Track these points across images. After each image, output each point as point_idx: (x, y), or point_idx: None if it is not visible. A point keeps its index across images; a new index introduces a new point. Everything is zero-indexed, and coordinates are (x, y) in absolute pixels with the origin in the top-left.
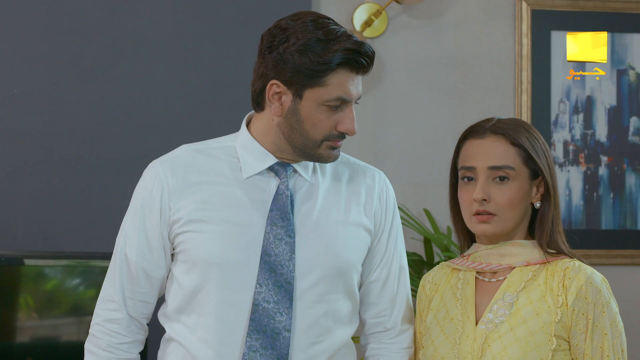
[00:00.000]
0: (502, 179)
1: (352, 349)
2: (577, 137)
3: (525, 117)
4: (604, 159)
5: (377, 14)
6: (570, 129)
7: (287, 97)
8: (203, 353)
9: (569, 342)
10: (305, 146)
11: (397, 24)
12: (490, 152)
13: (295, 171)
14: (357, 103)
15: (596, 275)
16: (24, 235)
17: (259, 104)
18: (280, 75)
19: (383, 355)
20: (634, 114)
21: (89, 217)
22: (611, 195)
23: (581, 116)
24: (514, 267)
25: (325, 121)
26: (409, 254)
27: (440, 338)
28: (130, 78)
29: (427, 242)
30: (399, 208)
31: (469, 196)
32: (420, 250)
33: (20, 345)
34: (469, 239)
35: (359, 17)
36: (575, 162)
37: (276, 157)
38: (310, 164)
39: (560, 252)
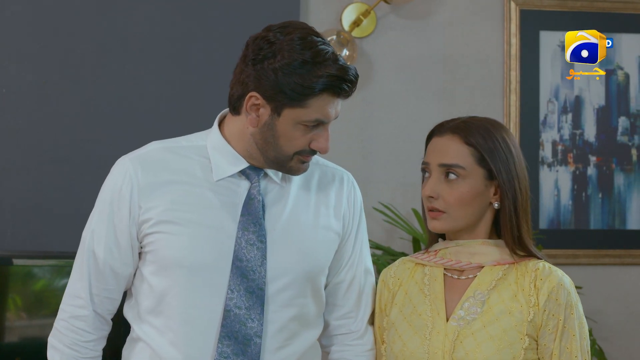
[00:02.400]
0: (452, 176)
1: (318, 350)
2: (566, 137)
3: (514, 116)
4: (593, 159)
5: (365, 13)
6: (559, 129)
7: (265, 111)
8: (171, 356)
9: (537, 341)
10: (277, 159)
11: (386, 23)
12: (444, 149)
13: (266, 175)
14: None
15: (566, 277)
16: (12, 235)
17: (235, 108)
18: (260, 88)
19: (348, 359)
20: (623, 114)
21: (78, 216)
22: (600, 195)
23: (570, 116)
24: (484, 266)
25: (300, 139)
26: (398, 254)
27: (409, 333)
28: (119, 77)
29: (416, 242)
30: (388, 207)
31: (423, 192)
32: (409, 250)
33: (9, 345)
34: (436, 234)
35: (348, 17)
36: (564, 162)
37: (247, 161)
38: None
39: (528, 254)
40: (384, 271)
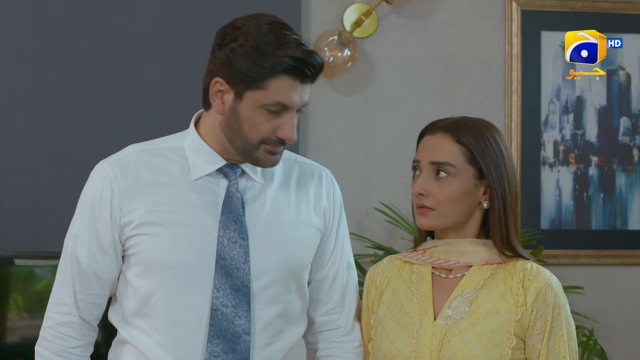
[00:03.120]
0: (442, 174)
1: (303, 347)
2: (567, 137)
3: (515, 117)
4: (594, 159)
5: (367, 14)
6: (561, 129)
7: (229, 96)
8: (158, 357)
9: (524, 341)
10: (244, 148)
11: (387, 24)
12: (435, 147)
13: (243, 172)
14: (301, 111)
15: (553, 278)
16: (13, 236)
17: (206, 100)
18: (224, 73)
19: (336, 356)
20: (624, 114)
21: None
22: (601, 196)
23: (571, 116)
24: (472, 265)
25: (263, 124)
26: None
27: (396, 331)
28: (120, 77)
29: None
30: (388, 207)
31: (413, 189)
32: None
33: (10, 346)
34: (425, 232)
35: (349, 17)
36: (566, 162)
37: (224, 158)
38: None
39: (515, 254)
40: (372, 268)
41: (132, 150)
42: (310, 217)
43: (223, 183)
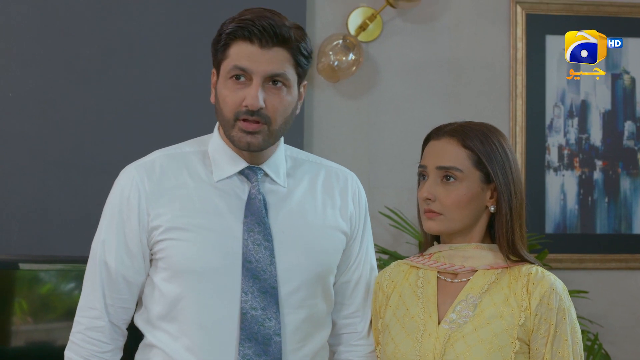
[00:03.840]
0: (449, 179)
1: (327, 350)
2: (572, 141)
3: (520, 121)
4: (599, 163)
5: (371, 18)
6: (565, 133)
7: (215, 79)
8: None
9: (529, 345)
10: (226, 130)
11: (392, 28)
12: (441, 152)
13: (266, 175)
14: (275, 84)
15: (558, 282)
16: (18, 240)
17: None
18: (212, 62)
19: None
20: (629, 118)
21: (84, 221)
22: (606, 200)
23: (576, 120)
24: (477, 270)
25: (230, 96)
26: (404, 259)
27: (401, 336)
28: (124, 81)
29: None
30: (393, 212)
31: (420, 194)
32: (415, 254)
33: (15, 350)
34: (432, 237)
35: (354, 21)
36: (570, 166)
37: (246, 160)
38: (282, 168)
39: (521, 259)
40: (380, 274)
41: (158, 155)
42: (336, 221)
43: (245, 185)
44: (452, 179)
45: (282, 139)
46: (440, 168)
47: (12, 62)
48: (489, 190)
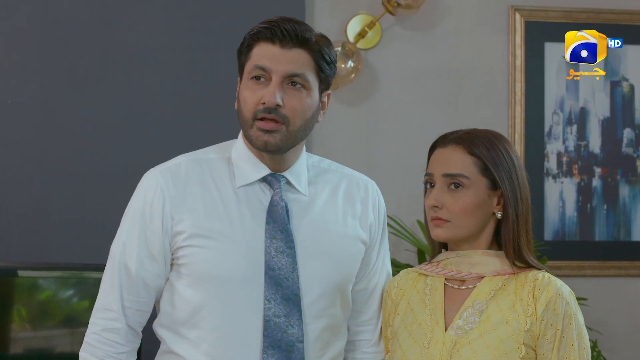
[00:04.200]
0: (456, 186)
1: (342, 357)
2: (571, 148)
3: (519, 128)
4: (598, 170)
5: (370, 25)
6: (564, 141)
7: (239, 85)
8: None
9: (535, 351)
10: (245, 131)
11: (391, 35)
12: (447, 160)
13: (288, 183)
14: (294, 85)
15: (565, 287)
16: (17, 247)
17: None
18: (238, 69)
19: None
20: (628, 126)
21: (83, 228)
22: (605, 207)
23: (575, 127)
24: (484, 276)
25: (250, 96)
26: (403, 266)
27: (409, 342)
28: (123, 88)
29: (421, 254)
30: (393, 219)
31: (427, 202)
32: (414, 261)
33: (14, 357)
34: (440, 245)
35: (353, 28)
36: (569, 173)
37: (268, 167)
38: (304, 176)
39: (527, 265)
40: (389, 282)
41: (183, 160)
42: (357, 230)
43: (267, 192)
44: (459, 186)
45: (304, 148)
46: (446, 175)
47: (11, 69)
48: (496, 197)
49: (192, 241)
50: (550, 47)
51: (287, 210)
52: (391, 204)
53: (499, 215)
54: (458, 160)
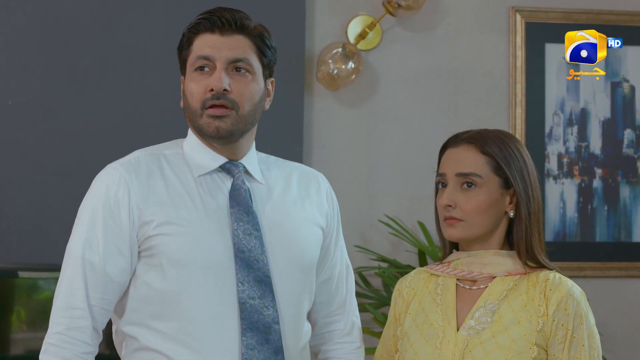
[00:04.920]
0: (469, 185)
1: (308, 349)
2: (572, 149)
3: (519, 129)
4: (598, 171)
5: (371, 26)
6: (565, 142)
7: (183, 84)
8: (189, 359)
9: (546, 351)
10: (194, 122)
11: (391, 36)
12: (460, 159)
13: (246, 171)
14: (239, 70)
15: (576, 288)
16: (17, 248)
17: None
18: (180, 67)
19: (338, 358)
20: (628, 127)
21: None
22: (605, 208)
23: (575, 128)
24: (495, 276)
25: (196, 87)
26: (403, 267)
27: (420, 342)
28: (124, 89)
29: (422, 255)
30: (393, 220)
31: (440, 202)
32: (415, 262)
33: (14, 358)
34: (451, 245)
35: (353, 29)
36: (570, 174)
37: (224, 156)
38: (257, 165)
39: (539, 265)
40: (400, 281)
41: (141, 154)
42: (315, 215)
43: (227, 179)
44: (472, 185)
45: (254, 144)
46: (459, 175)
47: (11, 70)
48: (508, 196)
49: (162, 229)
50: (550, 48)
51: (249, 194)
52: (392, 204)
53: (512, 214)
54: (471, 160)
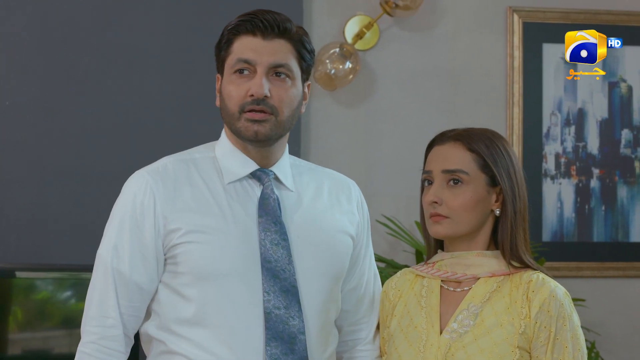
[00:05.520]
0: (455, 182)
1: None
2: (569, 149)
3: (517, 129)
4: (596, 171)
5: (368, 26)
6: (562, 142)
7: (219, 82)
8: None
9: (530, 353)
10: (231, 125)
11: (389, 36)
12: (447, 156)
13: (276, 178)
14: (279, 75)
15: (559, 288)
16: (15, 248)
17: None
18: (216, 66)
19: None
20: (626, 127)
21: (81, 229)
22: (603, 208)
23: (573, 128)
24: (479, 278)
25: (236, 90)
26: (401, 267)
27: (404, 345)
28: (122, 89)
29: (419, 255)
30: (391, 220)
31: (426, 199)
32: (412, 262)
33: (12, 358)
34: (436, 245)
35: (351, 29)
36: (567, 174)
37: (256, 162)
38: (289, 172)
39: (523, 265)
40: (387, 282)
41: (169, 160)
42: (345, 225)
43: (257, 188)
44: (458, 182)
45: (287, 147)
46: (446, 172)
47: (9, 70)
48: (494, 194)
49: (188, 237)
50: (548, 48)
51: (278, 203)
52: (389, 204)
53: (497, 212)
54: (458, 157)
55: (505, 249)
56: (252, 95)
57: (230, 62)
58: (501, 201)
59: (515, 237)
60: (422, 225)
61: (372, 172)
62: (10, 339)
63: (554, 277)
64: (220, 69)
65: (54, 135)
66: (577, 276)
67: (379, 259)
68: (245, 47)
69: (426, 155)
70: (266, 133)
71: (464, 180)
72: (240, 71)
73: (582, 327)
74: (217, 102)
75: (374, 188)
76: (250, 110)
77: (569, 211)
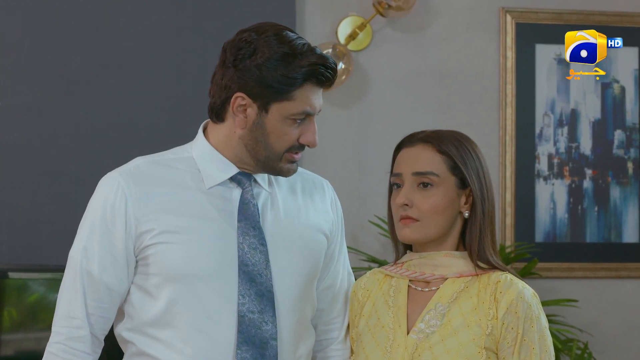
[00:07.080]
0: (425, 185)
1: (311, 356)
2: (562, 150)
3: (510, 130)
4: (589, 172)
5: (361, 27)
6: (555, 142)
7: (252, 110)
8: None
9: (497, 354)
10: (268, 159)
11: (382, 37)
12: (417, 158)
13: (255, 181)
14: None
15: (527, 289)
16: (8, 248)
17: (219, 115)
18: (245, 88)
19: None
20: (618, 127)
21: (74, 230)
22: (596, 209)
23: (565, 129)
24: (447, 278)
25: (290, 134)
26: None
27: (371, 345)
28: (115, 90)
29: None
30: (383, 220)
31: (397, 201)
32: None
33: (4, 359)
34: (404, 246)
35: (344, 30)
36: (560, 175)
37: (237, 167)
38: (266, 174)
39: (490, 266)
40: (356, 282)
41: (141, 162)
42: (319, 223)
43: (236, 190)
44: (428, 185)
45: None
46: (416, 174)
47: (2, 71)
48: (464, 196)
49: (161, 238)
50: (541, 49)
51: (257, 209)
52: (382, 205)
53: (466, 214)
54: (428, 159)
55: (472, 250)
56: (305, 143)
57: (292, 108)
58: (470, 203)
59: (483, 239)
60: (390, 229)
61: (365, 173)
62: (3, 340)
63: (547, 277)
64: (265, 97)
65: (47, 136)
66: (570, 277)
67: (371, 259)
68: (310, 97)
69: (394, 157)
70: (297, 169)
71: (435, 183)
72: (299, 120)
73: (575, 327)
74: (243, 125)
75: (367, 189)
76: (295, 153)
77: (561, 212)
